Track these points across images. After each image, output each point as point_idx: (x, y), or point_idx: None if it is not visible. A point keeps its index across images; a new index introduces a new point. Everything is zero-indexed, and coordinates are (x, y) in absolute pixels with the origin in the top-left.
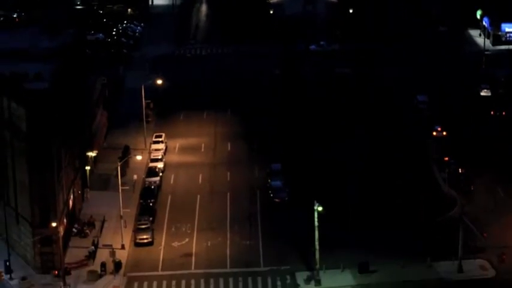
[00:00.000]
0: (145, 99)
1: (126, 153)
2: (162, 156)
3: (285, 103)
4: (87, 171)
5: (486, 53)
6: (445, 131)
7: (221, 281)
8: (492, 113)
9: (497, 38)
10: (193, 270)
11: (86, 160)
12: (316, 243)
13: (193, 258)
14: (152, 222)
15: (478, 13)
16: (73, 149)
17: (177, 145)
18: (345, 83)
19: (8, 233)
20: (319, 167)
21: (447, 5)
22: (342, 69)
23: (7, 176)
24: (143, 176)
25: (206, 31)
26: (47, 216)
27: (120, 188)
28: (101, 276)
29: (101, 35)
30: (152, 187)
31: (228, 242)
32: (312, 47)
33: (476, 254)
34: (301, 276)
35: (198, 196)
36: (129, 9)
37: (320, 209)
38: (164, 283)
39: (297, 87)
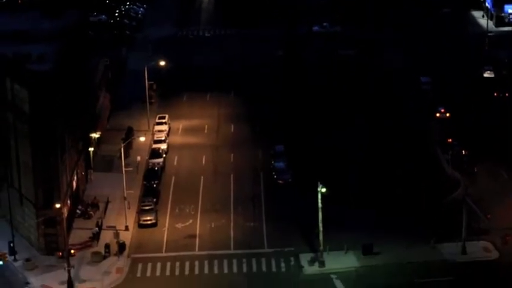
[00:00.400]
0: (148, 81)
1: (129, 134)
2: (166, 137)
3: (287, 88)
4: (91, 153)
5: (489, 34)
6: (448, 112)
7: (225, 262)
8: (495, 94)
9: (500, 20)
10: (197, 252)
11: (89, 142)
12: (320, 224)
13: (197, 239)
14: (156, 203)
15: None
16: (76, 131)
17: (181, 126)
18: (348, 66)
19: (12, 214)
20: (320, 155)
21: None
22: (345, 50)
23: (11, 157)
24: (147, 158)
25: (209, 13)
26: (51, 198)
27: (123, 169)
28: (104, 257)
29: (103, 16)
30: (156, 168)
31: (232, 223)
32: (315, 28)
33: (480, 236)
34: (305, 258)
35: (202, 177)
36: None
37: (324, 190)
38: (168, 264)
39: (299, 70)
